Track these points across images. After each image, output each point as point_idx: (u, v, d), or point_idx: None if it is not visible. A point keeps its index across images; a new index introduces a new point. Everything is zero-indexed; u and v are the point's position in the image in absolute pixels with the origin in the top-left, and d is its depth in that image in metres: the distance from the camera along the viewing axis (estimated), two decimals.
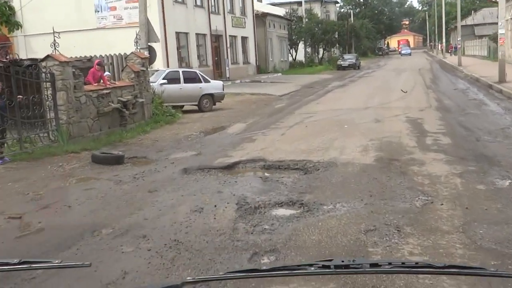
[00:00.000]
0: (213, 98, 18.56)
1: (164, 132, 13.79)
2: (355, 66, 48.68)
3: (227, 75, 31.93)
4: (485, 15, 74.08)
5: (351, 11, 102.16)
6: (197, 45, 30.50)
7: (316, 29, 51.18)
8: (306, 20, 53.02)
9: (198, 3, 30.29)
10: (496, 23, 64.04)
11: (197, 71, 19.09)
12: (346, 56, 51.31)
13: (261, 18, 42.45)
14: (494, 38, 49.71)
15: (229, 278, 2.10)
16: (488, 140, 10.44)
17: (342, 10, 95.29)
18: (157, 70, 18.69)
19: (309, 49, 54.90)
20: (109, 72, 15.15)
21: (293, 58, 53.06)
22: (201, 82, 18.36)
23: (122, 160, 10.11)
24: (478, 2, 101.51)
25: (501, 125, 12.37)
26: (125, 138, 12.57)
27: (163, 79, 17.28)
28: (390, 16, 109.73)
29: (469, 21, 72.06)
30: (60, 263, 1.97)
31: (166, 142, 12.31)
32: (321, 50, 55.68)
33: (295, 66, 49.90)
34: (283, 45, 48.59)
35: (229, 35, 34.99)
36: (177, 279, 3.12)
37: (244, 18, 38.07)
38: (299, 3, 61.09)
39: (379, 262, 1.68)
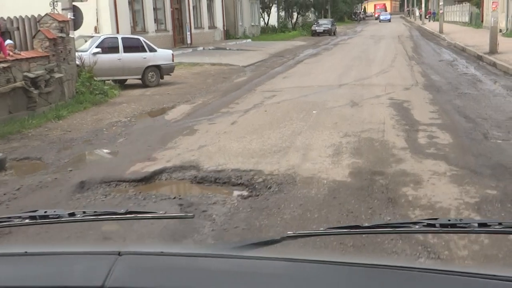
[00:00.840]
0: (160, 70, 15.60)
1: (84, 117, 10.86)
2: (330, 32, 45.73)
3: (188, 41, 28.74)
4: None
5: None
6: (154, 8, 27.19)
7: None
8: None
9: None
10: None
11: (141, 38, 15.98)
12: (321, 21, 48.22)
13: None
14: (476, 3, 47.26)
15: (330, 234, 2.12)
16: (500, 137, 7.85)
17: None
18: (92, 36, 15.58)
19: (282, 13, 51.45)
20: (12, 41, 12.02)
21: (265, 23, 49.74)
22: (145, 51, 15.35)
23: (2, 165, 7.27)
24: None
25: (509, 112, 9.79)
26: (27, 128, 9.64)
27: (96, 47, 14.23)
28: None
29: None
30: (164, 213, 2.38)
31: (80, 133, 9.44)
32: (295, 15, 52.25)
33: (267, 32, 46.67)
34: (254, 9, 45.17)
35: None
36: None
37: None
38: None
39: (488, 222, 1.54)
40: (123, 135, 9.20)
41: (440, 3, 38.66)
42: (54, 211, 1.68)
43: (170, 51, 16.67)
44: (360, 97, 11.87)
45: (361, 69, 17.88)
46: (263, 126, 9.15)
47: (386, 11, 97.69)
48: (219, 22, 36.42)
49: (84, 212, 1.76)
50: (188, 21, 30.67)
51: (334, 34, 47.24)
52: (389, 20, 76.75)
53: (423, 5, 61.85)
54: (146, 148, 8.10)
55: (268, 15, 49.93)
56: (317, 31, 45.50)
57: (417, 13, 77.48)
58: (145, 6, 26.19)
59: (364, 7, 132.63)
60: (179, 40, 29.73)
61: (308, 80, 15.57)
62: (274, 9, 50.26)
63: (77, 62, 12.65)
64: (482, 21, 39.27)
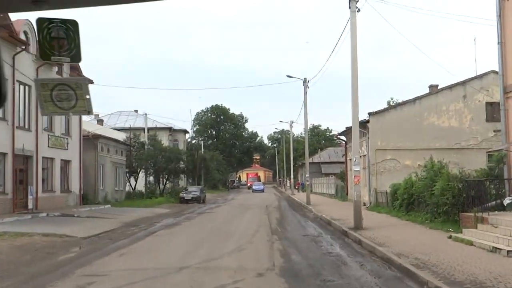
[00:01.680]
0: None
1: None
2: (199, 200, 44.02)
3: (30, 206, 25.13)
4: (331, 154, 75.77)
5: (202, 142, 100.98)
6: None
7: (160, 156, 46.49)
8: (149, 147, 48.28)
9: (0, 114, 24.12)
10: (342, 162, 64.56)
11: None
12: (190, 188, 46.70)
13: (91, 140, 36.82)
14: (341, 176, 48.82)
15: None
16: None
17: (193, 141, 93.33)
18: None
19: (151, 178, 49.55)
20: None
21: (132, 188, 47.29)
22: None
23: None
24: (323, 141, 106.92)
25: None
26: None
27: None
28: (242, 149, 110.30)
29: (316, 158, 72.75)
30: None
31: None
32: (164, 180, 50.51)
33: (132, 197, 44.01)
34: (119, 172, 42.85)
35: (43, 157, 28.69)
36: None
37: (67, 138, 32.16)
38: (144, 130, 56.93)
39: None
40: None
41: (307, 175, 38.96)
42: None
43: None
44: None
45: (214, 245, 15.54)
46: None
47: (259, 180, 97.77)
48: (74, 186, 33.35)
49: None
50: (34, 183, 27.33)
51: (203, 202, 45.66)
52: (263, 190, 75.52)
53: (291, 176, 63.40)
54: None
55: (136, 180, 47.73)
56: (185, 198, 43.62)
57: (288, 184, 79.73)
58: None
59: (239, 175, 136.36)
60: (20, 204, 26.04)
61: (148, 259, 12.83)
62: (142, 174, 48.37)
63: None
64: (347, 194, 39.85)
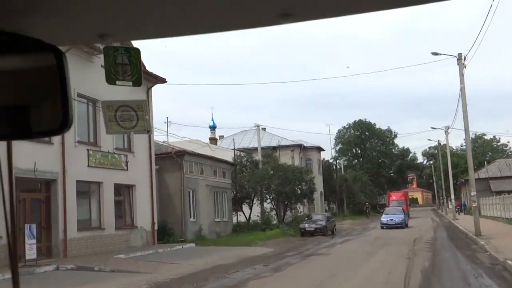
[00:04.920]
0: None
1: None
2: (324, 231, 33.32)
3: (30, 256, 16.55)
4: (502, 167, 59.94)
5: (345, 162, 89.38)
6: None
7: (275, 176, 36.62)
8: (264, 166, 38.69)
9: None
10: None
11: None
12: (315, 217, 36.00)
13: (174, 159, 28.36)
14: None
15: None
16: None
17: (337, 161, 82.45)
18: None
19: (269, 205, 39.54)
20: None
21: (246, 218, 38.05)
22: None
23: None
24: (490, 153, 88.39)
25: None
26: None
27: None
28: (393, 169, 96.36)
29: (482, 174, 57.24)
30: None
31: None
32: (284, 207, 40.27)
33: (240, 230, 34.69)
34: (221, 199, 33.86)
35: (78, 180, 20.49)
36: None
37: (125, 156, 23.86)
38: (273, 148, 47.76)
39: None
40: None
41: (472, 193, 26.55)
42: None
43: None
44: None
45: None
46: None
47: (403, 204, 55.15)
48: (142, 219, 24.81)
49: None
50: (61, 218, 19.16)
51: (332, 233, 34.90)
52: (401, 225, 37.58)
53: (452, 196, 49.40)
54: None
55: (250, 208, 38.42)
56: (307, 229, 33.24)
57: (450, 206, 65.18)
58: None
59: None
60: (39, 249, 17.86)
61: None
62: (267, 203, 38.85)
63: None
64: None
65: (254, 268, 17.68)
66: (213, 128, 60.82)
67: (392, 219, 38.11)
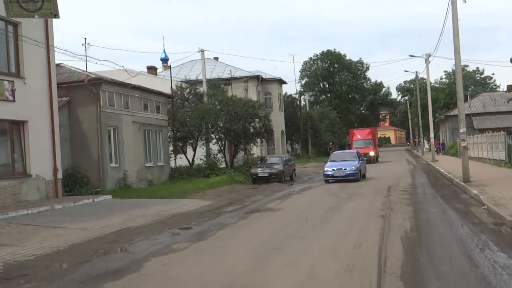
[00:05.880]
0: None
1: None
2: (281, 177, 27.90)
3: None
4: (486, 102, 55.08)
5: (309, 98, 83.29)
6: None
7: (222, 113, 30.64)
8: (208, 99, 32.39)
9: None
10: (505, 113, 44.58)
11: None
12: (269, 160, 30.34)
13: (88, 88, 22.18)
14: None
15: None
16: None
17: (302, 97, 76.41)
18: None
19: (216, 147, 33.43)
20: None
21: (189, 162, 32.34)
22: None
23: None
24: (472, 87, 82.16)
25: None
26: None
27: None
28: (364, 105, 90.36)
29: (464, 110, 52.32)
30: None
31: None
32: (235, 148, 34.32)
33: (180, 176, 29.03)
34: (154, 139, 27.87)
35: None
36: None
37: (10, 82, 17.64)
38: (226, 80, 41.69)
39: None
40: None
41: (461, 130, 21.26)
42: None
43: None
44: None
45: None
46: None
47: (366, 145, 47.74)
48: (39, 165, 18.92)
49: None
50: None
51: (291, 179, 29.61)
52: (354, 177, 25.78)
53: (431, 135, 44.36)
54: None
55: (194, 150, 32.70)
56: (259, 174, 27.83)
57: (426, 146, 60.56)
58: None
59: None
60: None
61: None
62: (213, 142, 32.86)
63: None
64: None
65: (172, 233, 12.35)
66: (165, 60, 54.21)
67: (340, 169, 25.99)
